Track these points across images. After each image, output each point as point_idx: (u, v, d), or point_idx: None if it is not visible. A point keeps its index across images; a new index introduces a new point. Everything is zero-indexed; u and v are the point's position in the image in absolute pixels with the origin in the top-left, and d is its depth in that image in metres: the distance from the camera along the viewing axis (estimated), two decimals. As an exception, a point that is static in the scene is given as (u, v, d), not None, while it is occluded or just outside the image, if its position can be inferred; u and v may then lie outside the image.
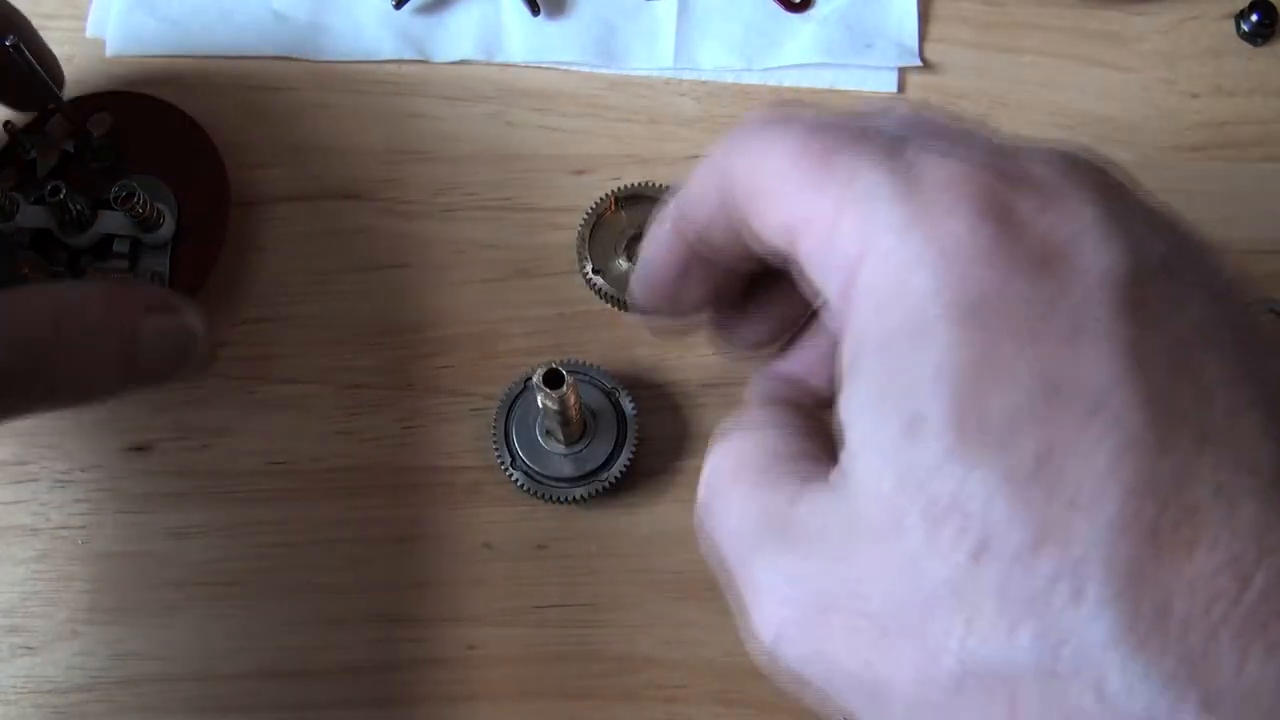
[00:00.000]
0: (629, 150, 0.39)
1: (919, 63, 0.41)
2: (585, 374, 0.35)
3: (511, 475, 0.34)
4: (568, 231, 0.38)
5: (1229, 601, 0.17)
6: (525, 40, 0.41)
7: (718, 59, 0.41)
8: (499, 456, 0.34)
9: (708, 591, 0.34)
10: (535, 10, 0.41)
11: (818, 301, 0.23)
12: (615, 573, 0.34)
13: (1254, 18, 0.41)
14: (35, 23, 0.41)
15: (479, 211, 0.38)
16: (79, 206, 0.35)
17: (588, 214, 0.38)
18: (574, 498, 0.34)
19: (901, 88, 0.41)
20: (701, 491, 0.24)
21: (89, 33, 0.41)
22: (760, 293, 0.27)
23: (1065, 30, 0.42)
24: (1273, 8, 0.41)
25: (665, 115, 0.40)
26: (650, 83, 0.41)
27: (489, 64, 0.41)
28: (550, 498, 0.34)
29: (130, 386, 0.30)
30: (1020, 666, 0.18)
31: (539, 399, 0.32)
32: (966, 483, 0.18)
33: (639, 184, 0.38)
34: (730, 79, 0.41)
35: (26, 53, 0.33)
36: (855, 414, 0.20)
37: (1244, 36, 0.41)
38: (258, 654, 0.33)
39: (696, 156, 0.39)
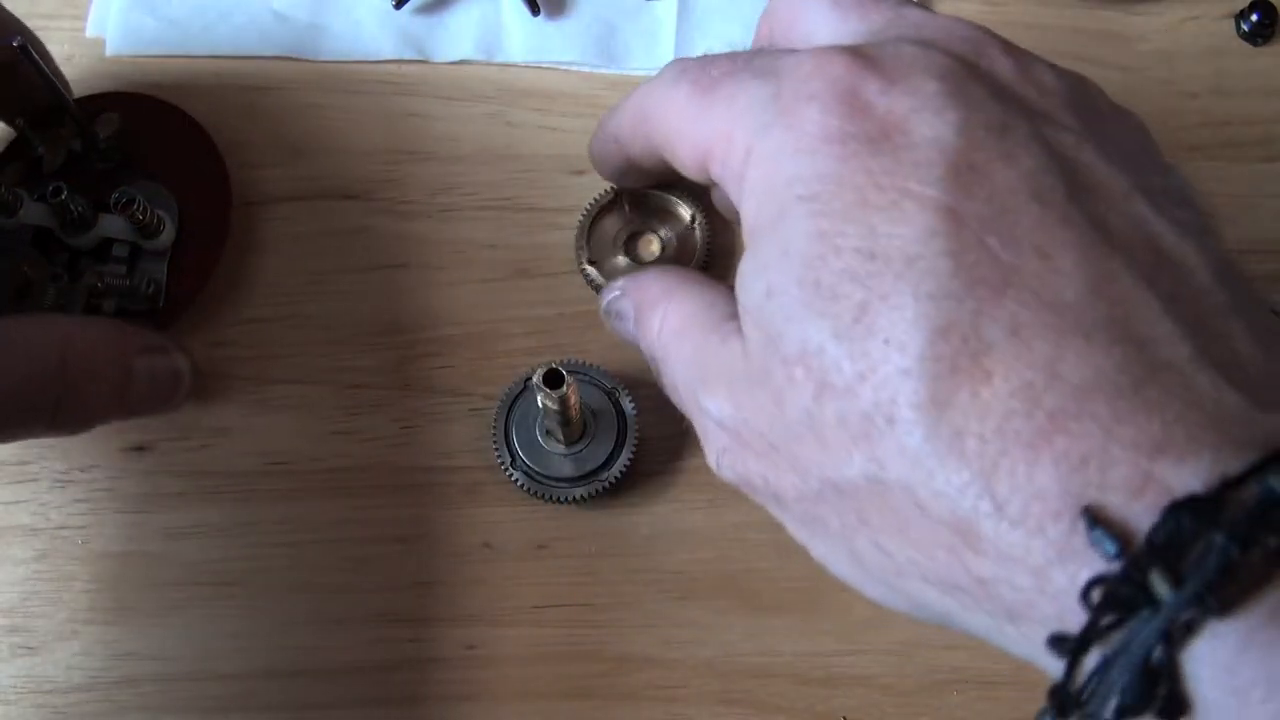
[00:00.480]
0: (629, 150, 0.39)
1: (919, 63, 0.41)
2: (585, 374, 0.35)
3: (511, 475, 0.34)
4: (567, 231, 0.38)
5: (1020, 419, 0.19)
6: (525, 40, 0.41)
7: (718, 59, 0.41)
8: (499, 456, 0.34)
9: (708, 591, 0.34)
10: (535, 10, 0.41)
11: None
12: (615, 573, 0.34)
13: (1254, 18, 0.41)
14: (35, 23, 0.41)
15: (478, 211, 0.38)
16: (80, 208, 0.35)
17: (585, 211, 0.38)
18: (574, 498, 0.34)
19: (901, 88, 0.41)
20: (655, 348, 0.28)
21: (89, 33, 0.41)
22: None
23: (1065, 30, 0.42)
24: (1273, 8, 0.41)
25: (665, 115, 0.40)
26: (650, 83, 0.41)
27: (489, 64, 0.41)
28: (550, 498, 0.34)
29: (120, 418, 0.33)
30: (857, 480, 0.21)
31: (539, 399, 0.32)
32: (807, 335, 0.22)
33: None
34: (730, 79, 0.41)
35: (34, 53, 0.33)
36: (740, 284, 0.24)
37: (1244, 36, 0.41)
38: (258, 654, 0.33)
39: (696, 156, 0.39)
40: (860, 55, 0.23)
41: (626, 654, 0.34)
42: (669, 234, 0.38)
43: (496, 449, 0.34)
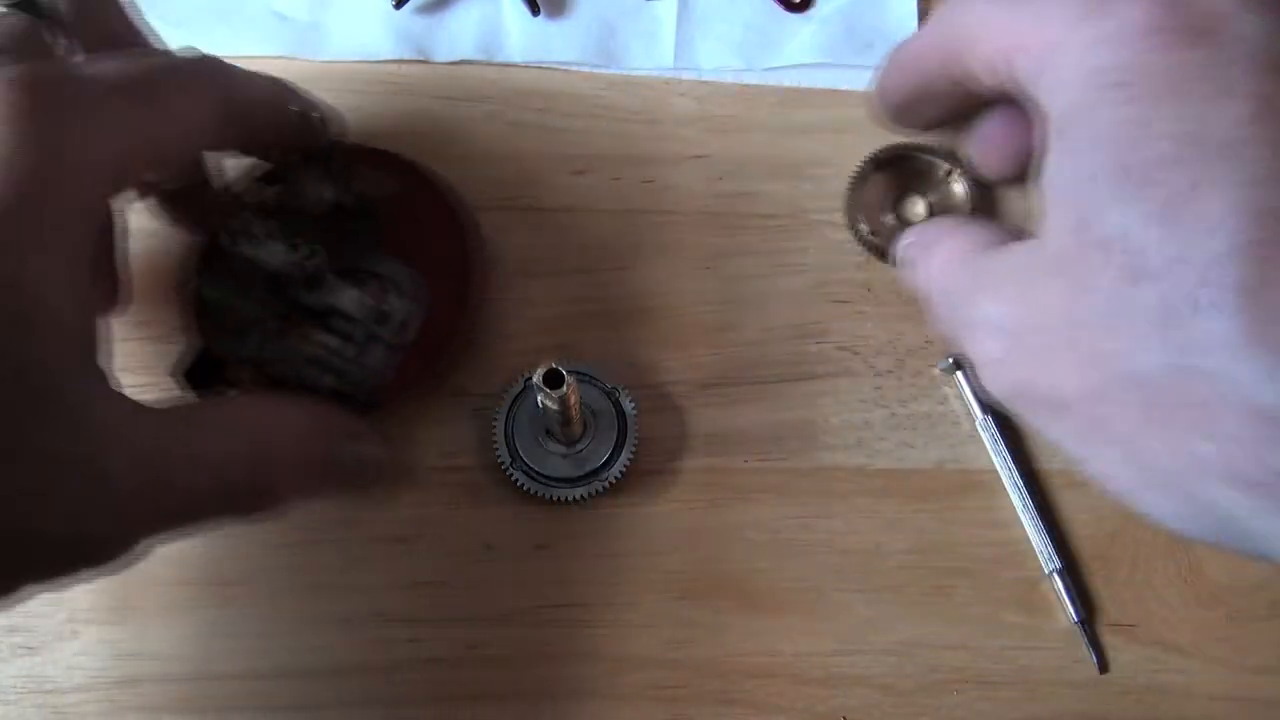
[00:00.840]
0: (629, 150, 0.39)
1: (919, 63, 0.41)
2: (585, 374, 0.35)
3: (512, 475, 0.34)
4: (568, 231, 0.38)
5: None
6: (525, 40, 0.41)
7: (718, 59, 0.41)
8: (499, 456, 0.34)
9: (708, 591, 0.34)
10: (535, 10, 0.41)
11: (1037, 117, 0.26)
12: (615, 573, 0.34)
13: (1254, 18, 0.41)
14: (35, 23, 0.41)
15: (479, 212, 0.38)
16: (318, 262, 0.33)
17: (852, 178, 0.38)
18: (574, 498, 0.34)
19: (901, 88, 0.41)
20: (929, 279, 0.29)
21: (89, 33, 0.41)
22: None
23: (1065, 30, 0.42)
24: (1273, 8, 0.41)
25: (665, 115, 0.40)
26: (650, 83, 0.41)
27: (489, 64, 0.41)
28: (550, 498, 0.34)
29: (311, 501, 0.31)
30: (1159, 370, 0.21)
31: (539, 399, 0.32)
32: (1120, 218, 0.22)
33: (900, 144, 0.39)
34: (730, 79, 0.41)
35: (326, 123, 0.32)
36: (1050, 177, 0.24)
37: (1244, 36, 0.41)
38: (258, 654, 0.33)
39: (697, 156, 0.39)
40: None
41: (626, 654, 0.34)
42: (933, 195, 0.39)
43: (496, 449, 0.34)
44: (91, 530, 0.26)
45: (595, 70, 0.41)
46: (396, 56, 0.41)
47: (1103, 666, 0.34)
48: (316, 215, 0.34)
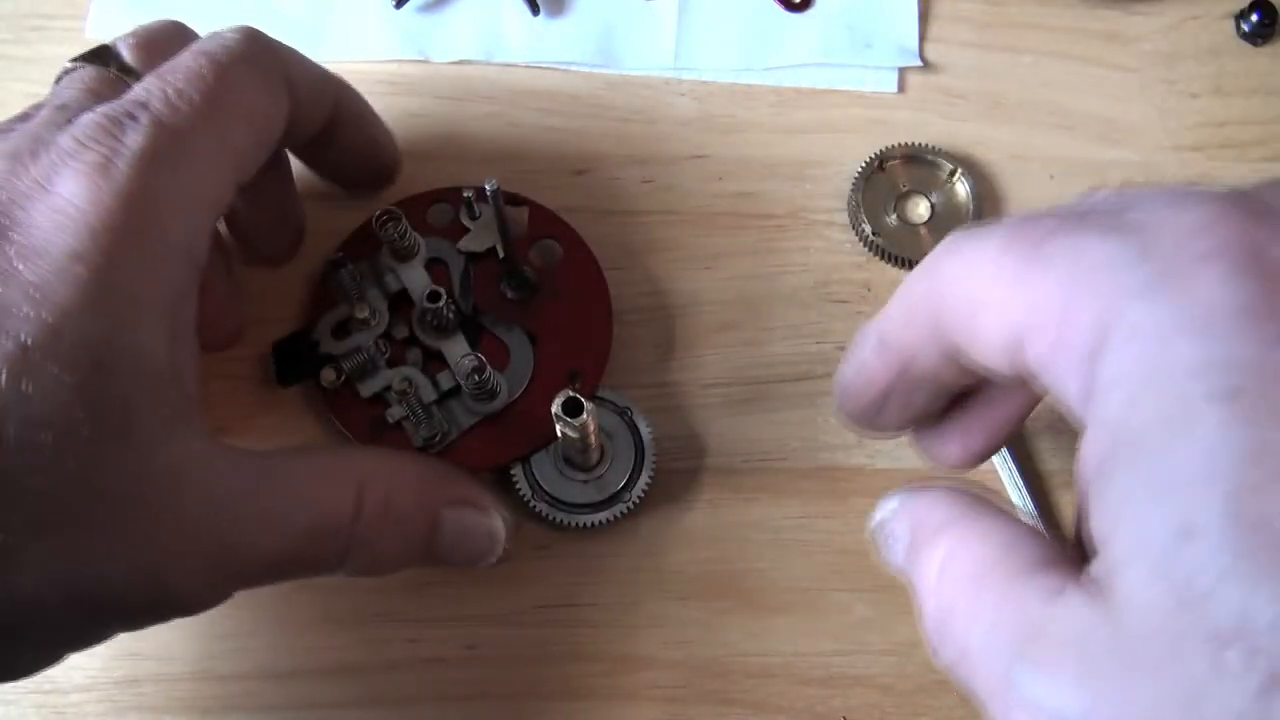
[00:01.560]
0: (629, 150, 0.39)
1: (919, 63, 0.41)
2: (598, 396, 0.35)
3: (535, 507, 0.33)
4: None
5: None
6: (525, 40, 0.41)
7: (718, 59, 0.41)
8: (519, 489, 0.34)
9: (708, 591, 0.34)
10: (535, 10, 0.41)
11: (1061, 407, 0.20)
12: (615, 573, 0.34)
13: (1254, 18, 0.41)
14: (35, 23, 0.41)
15: (479, 211, 0.38)
16: (444, 317, 0.34)
17: (855, 178, 0.38)
18: (599, 522, 0.33)
19: (901, 88, 0.41)
20: (936, 599, 0.22)
21: (89, 33, 0.41)
22: (966, 404, 0.26)
23: (1065, 30, 0.42)
24: (1273, 8, 0.41)
25: (665, 115, 0.40)
26: (650, 83, 0.41)
27: (489, 64, 0.41)
28: (576, 525, 0.33)
29: (414, 567, 0.30)
30: None
31: (558, 429, 0.31)
32: (1253, 601, 0.15)
33: (904, 144, 0.39)
34: (730, 79, 0.41)
35: (500, 199, 0.32)
36: (1115, 522, 0.18)
37: (1244, 36, 0.41)
38: (257, 654, 0.33)
39: (697, 156, 0.39)
40: (1251, 203, 0.18)
41: (626, 654, 0.34)
42: (936, 195, 0.39)
43: (516, 483, 0.34)
44: (168, 577, 0.25)
45: (595, 70, 0.41)
46: (396, 56, 0.41)
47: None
48: (477, 255, 0.35)
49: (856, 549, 0.35)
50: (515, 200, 0.36)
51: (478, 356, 0.32)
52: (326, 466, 0.29)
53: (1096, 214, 0.20)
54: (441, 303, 0.33)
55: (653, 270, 0.38)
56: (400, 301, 0.35)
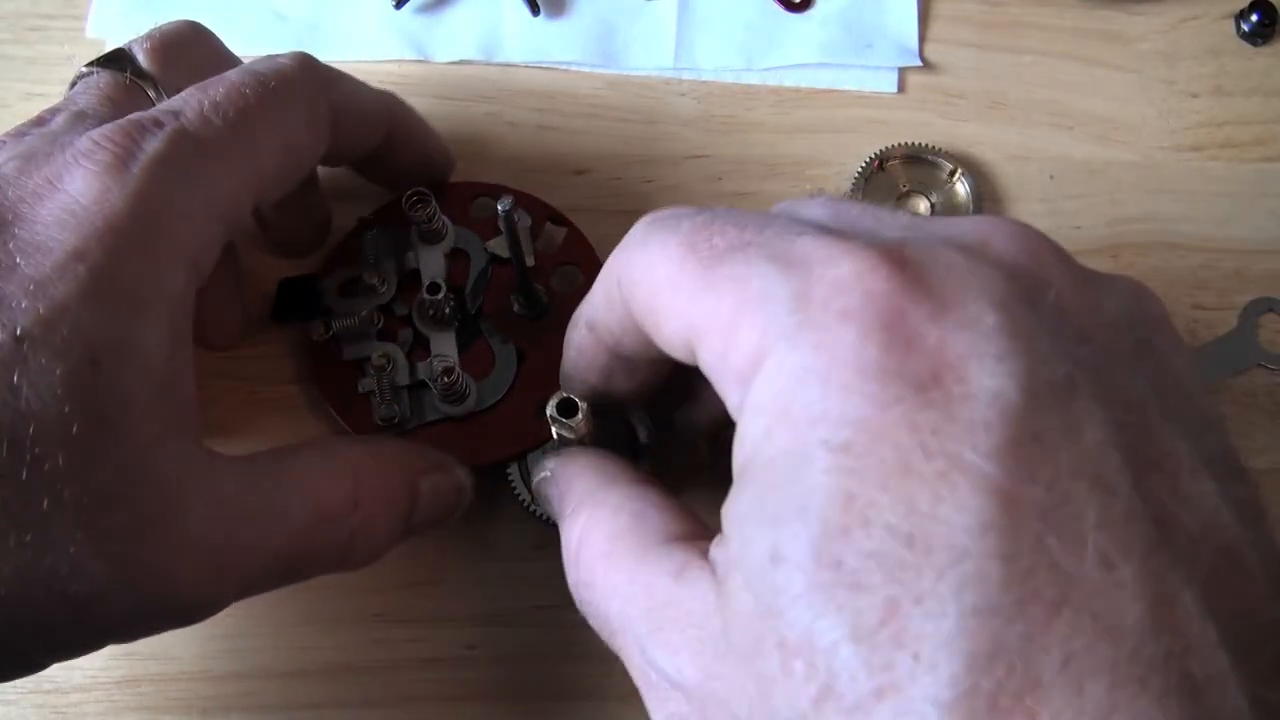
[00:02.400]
0: (629, 150, 0.39)
1: (919, 63, 0.41)
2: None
3: (535, 511, 0.33)
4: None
5: None
6: (525, 40, 0.41)
7: (718, 59, 0.41)
8: (518, 494, 0.33)
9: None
10: (535, 10, 0.41)
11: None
12: (615, 573, 0.34)
13: (1254, 18, 0.41)
14: (35, 23, 0.41)
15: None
16: (444, 311, 0.34)
17: (855, 177, 0.38)
18: None
19: (901, 88, 0.41)
20: (576, 571, 0.25)
21: (89, 33, 0.41)
22: (690, 379, 0.27)
23: (1065, 30, 0.42)
24: (1273, 8, 0.41)
25: (665, 115, 0.40)
26: (650, 83, 0.41)
27: (489, 64, 0.41)
28: None
29: (403, 541, 0.30)
30: None
31: (553, 430, 0.30)
32: (817, 624, 0.18)
33: (904, 144, 0.39)
34: (730, 79, 0.41)
35: (515, 221, 0.32)
36: (734, 526, 0.20)
37: (1244, 36, 0.41)
38: (257, 654, 0.33)
39: (697, 156, 0.39)
40: (904, 264, 0.19)
41: (626, 654, 0.34)
42: (936, 195, 0.39)
43: (513, 483, 0.33)
44: (163, 582, 0.25)
45: (595, 70, 0.41)
46: (396, 56, 0.41)
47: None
48: (501, 259, 0.35)
49: (856, 549, 0.35)
50: (558, 219, 0.36)
51: (452, 360, 0.32)
52: (321, 459, 0.29)
53: (771, 239, 0.21)
54: (440, 296, 0.33)
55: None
56: (412, 280, 0.35)
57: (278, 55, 0.30)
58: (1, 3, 0.42)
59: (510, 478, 0.34)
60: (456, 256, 0.35)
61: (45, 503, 0.23)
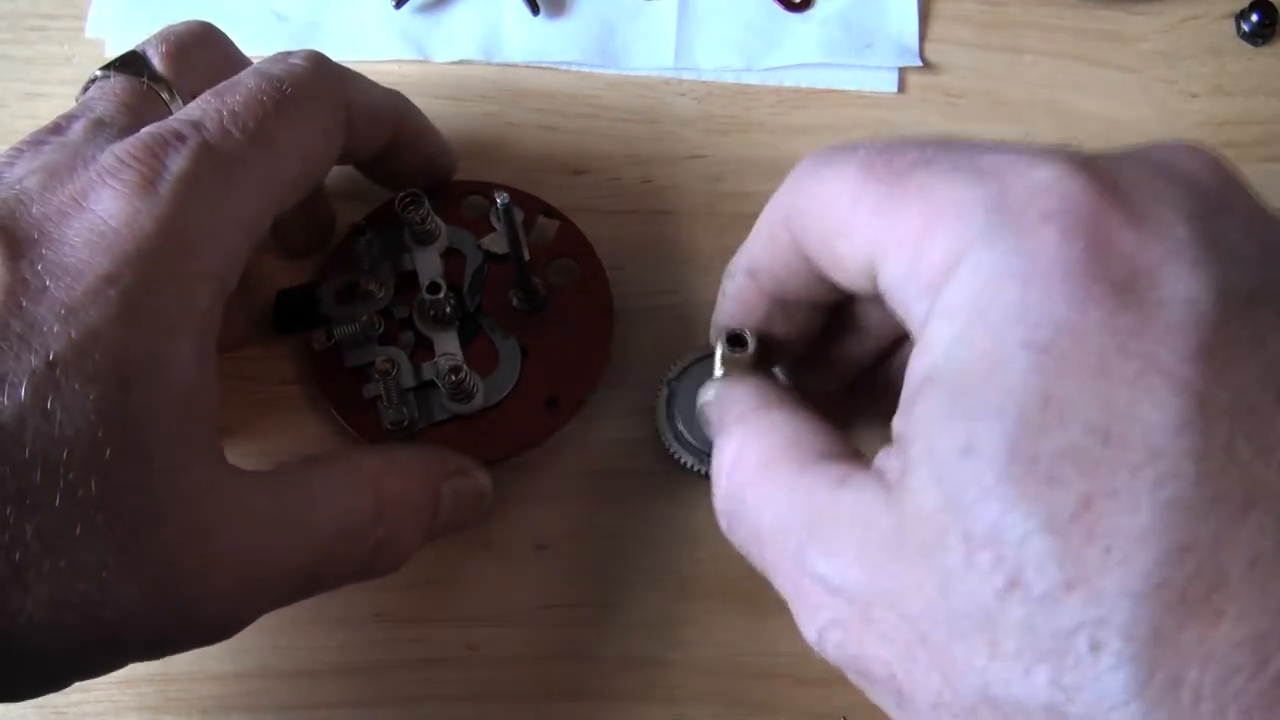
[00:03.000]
0: (629, 150, 0.39)
1: (919, 63, 0.41)
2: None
3: (685, 462, 0.33)
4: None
5: (1245, 677, 0.17)
6: (525, 40, 0.41)
7: (718, 59, 0.41)
8: (676, 458, 0.33)
9: (708, 591, 0.34)
10: (535, 10, 0.41)
11: (906, 327, 0.22)
12: (615, 573, 0.34)
13: (1254, 18, 0.41)
14: (35, 23, 0.41)
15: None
16: (444, 310, 0.34)
17: None
18: None
19: (901, 88, 0.41)
20: (725, 483, 0.24)
21: (89, 33, 0.41)
22: (833, 336, 0.28)
23: (1065, 30, 0.42)
24: (1273, 8, 0.41)
25: (665, 115, 0.40)
26: (650, 83, 0.41)
27: (489, 64, 0.41)
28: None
29: (422, 547, 0.30)
30: (1032, 704, 0.18)
31: (721, 371, 0.29)
32: (1007, 516, 0.18)
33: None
34: (730, 79, 0.41)
35: (515, 215, 0.32)
36: (919, 428, 0.20)
37: (1244, 36, 0.41)
38: (257, 654, 0.33)
39: (697, 156, 0.39)
40: (1100, 174, 0.20)
41: (626, 654, 0.34)
42: None
43: (675, 455, 0.33)
44: (191, 601, 0.25)
45: (595, 70, 0.41)
46: (396, 56, 0.41)
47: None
48: (496, 256, 0.35)
49: (856, 549, 0.35)
50: (550, 213, 0.36)
51: (459, 359, 0.32)
52: (343, 473, 0.29)
53: (955, 155, 0.21)
54: (441, 295, 0.33)
55: (653, 270, 0.38)
56: (409, 282, 0.35)
57: (291, 54, 0.30)
58: (1, 3, 0.42)
59: (676, 456, 0.34)
60: (451, 256, 0.35)
61: (79, 529, 0.23)
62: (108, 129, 0.28)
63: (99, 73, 0.30)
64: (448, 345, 0.34)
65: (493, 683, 0.33)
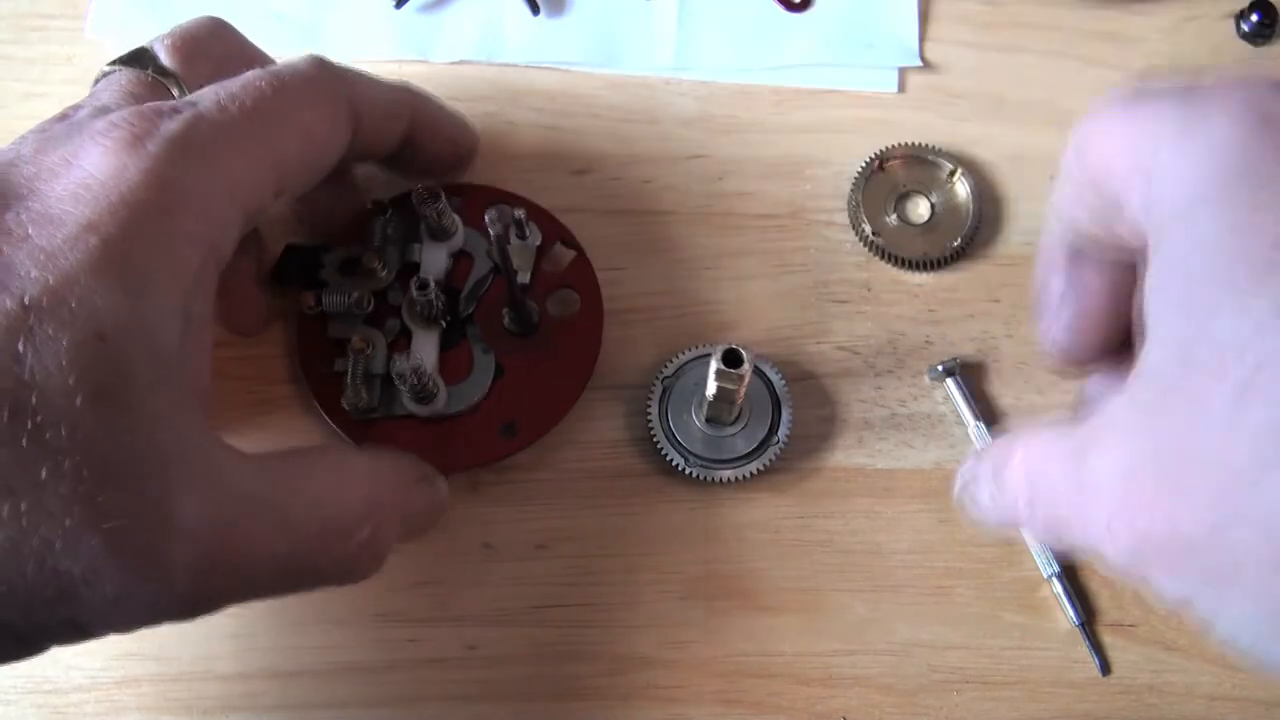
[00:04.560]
0: (629, 150, 0.39)
1: (919, 63, 0.41)
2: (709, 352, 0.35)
3: (683, 468, 0.34)
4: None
5: None
6: (525, 40, 0.41)
7: (718, 59, 0.41)
8: (660, 448, 0.34)
9: (708, 591, 0.34)
10: (535, 10, 0.41)
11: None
12: (615, 573, 0.34)
13: (1254, 18, 0.41)
14: (35, 23, 0.41)
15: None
16: (434, 309, 0.34)
17: (856, 176, 0.38)
18: (749, 474, 0.34)
19: (902, 88, 0.41)
20: (1017, 480, 0.25)
21: (89, 33, 0.41)
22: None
23: (1065, 30, 0.42)
24: (1273, 8, 0.41)
25: (665, 115, 0.40)
26: (650, 83, 0.41)
27: (489, 64, 0.41)
28: (726, 480, 0.34)
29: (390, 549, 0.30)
30: None
31: (714, 384, 0.31)
32: (1241, 319, 0.19)
33: (904, 144, 0.39)
34: (730, 79, 0.41)
35: (506, 242, 0.32)
36: (1149, 300, 0.22)
37: (1244, 36, 0.41)
38: (258, 654, 0.33)
39: (697, 156, 0.39)
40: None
41: (626, 654, 0.34)
42: (937, 195, 0.39)
43: (658, 442, 0.34)
44: (161, 569, 0.24)
45: (595, 70, 0.41)
46: (396, 56, 0.41)
47: (1105, 668, 0.34)
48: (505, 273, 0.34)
49: (857, 549, 0.35)
50: (570, 242, 0.36)
51: (421, 360, 0.32)
52: (334, 471, 0.29)
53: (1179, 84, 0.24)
54: (429, 294, 0.33)
55: (653, 270, 0.38)
56: (412, 271, 0.35)
57: (295, 59, 0.30)
58: (1, 3, 0.42)
59: (677, 466, 0.34)
60: (461, 258, 0.35)
61: (43, 473, 0.22)
62: (111, 114, 0.28)
63: (107, 67, 0.30)
64: (425, 344, 0.34)
65: (492, 683, 0.33)
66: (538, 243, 0.35)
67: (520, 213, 0.34)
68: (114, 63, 0.30)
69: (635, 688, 0.33)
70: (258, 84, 0.28)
